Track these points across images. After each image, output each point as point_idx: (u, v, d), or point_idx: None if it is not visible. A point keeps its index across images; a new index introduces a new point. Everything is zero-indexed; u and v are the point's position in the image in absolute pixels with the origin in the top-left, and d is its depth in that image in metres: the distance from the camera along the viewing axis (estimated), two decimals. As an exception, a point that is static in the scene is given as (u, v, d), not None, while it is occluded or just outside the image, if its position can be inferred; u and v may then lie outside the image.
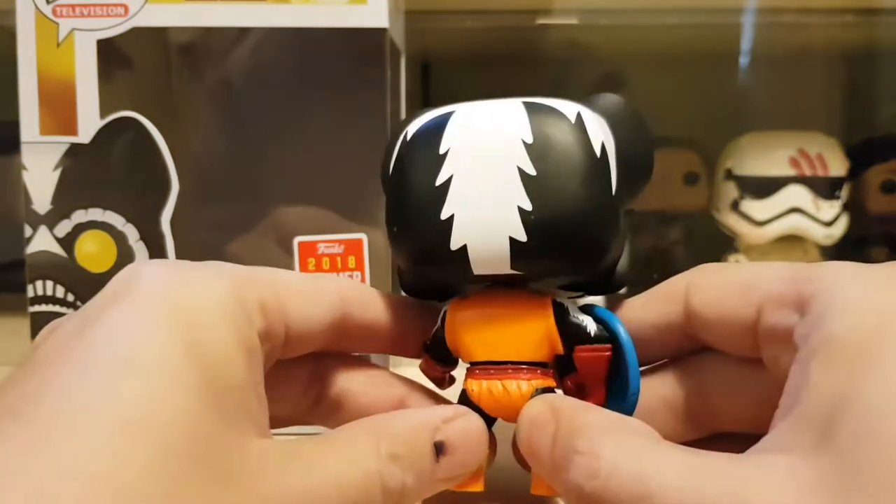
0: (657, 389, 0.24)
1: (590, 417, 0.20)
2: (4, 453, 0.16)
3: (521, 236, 0.21)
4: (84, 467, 0.15)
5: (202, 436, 0.17)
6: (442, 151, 0.22)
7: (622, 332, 0.23)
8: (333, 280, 0.24)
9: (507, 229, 0.21)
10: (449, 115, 0.23)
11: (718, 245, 0.57)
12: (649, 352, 0.24)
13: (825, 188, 0.54)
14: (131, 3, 0.34)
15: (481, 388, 0.22)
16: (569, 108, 0.22)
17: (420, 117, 0.23)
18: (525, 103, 0.22)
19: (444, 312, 0.24)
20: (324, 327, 0.23)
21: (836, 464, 0.16)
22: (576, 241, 0.21)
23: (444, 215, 0.21)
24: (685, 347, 0.24)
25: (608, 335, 0.23)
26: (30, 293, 0.35)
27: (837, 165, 0.54)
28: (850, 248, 0.57)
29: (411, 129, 0.23)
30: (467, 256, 0.21)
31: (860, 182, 0.59)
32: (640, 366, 0.23)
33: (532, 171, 0.21)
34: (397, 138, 0.24)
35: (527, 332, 0.23)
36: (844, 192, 0.55)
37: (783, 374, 0.19)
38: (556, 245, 0.21)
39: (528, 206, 0.21)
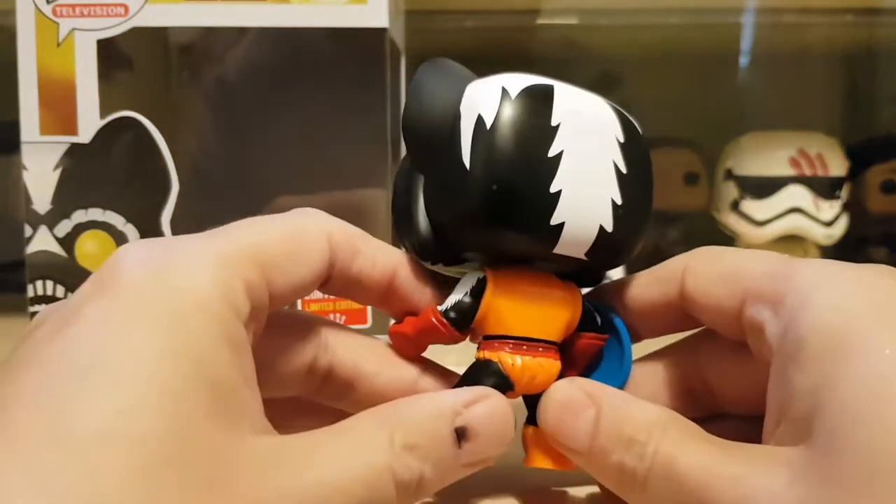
0: (659, 372, 0.25)
1: (638, 408, 0.21)
2: None
3: (609, 227, 0.22)
4: (58, 483, 0.15)
5: (185, 441, 0.16)
6: (554, 123, 0.22)
7: (621, 323, 0.24)
8: (320, 222, 0.22)
9: (601, 217, 0.22)
10: (551, 87, 0.22)
11: (718, 245, 0.57)
12: (651, 328, 0.25)
13: (825, 188, 0.54)
14: (131, 3, 0.34)
15: (520, 363, 0.22)
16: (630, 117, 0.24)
17: (504, 77, 0.23)
18: (609, 104, 0.24)
19: (480, 282, 0.23)
20: (309, 283, 0.22)
21: (819, 455, 0.18)
22: (637, 241, 0.23)
23: (553, 188, 0.21)
24: (686, 324, 0.25)
25: (608, 324, 0.24)
26: (30, 293, 0.35)
27: (837, 165, 0.54)
28: (850, 248, 0.57)
29: (509, 87, 0.22)
30: (559, 234, 0.22)
31: (860, 182, 0.59)
32: (646, 338, 0.25)
33: (624, 169, 0.22)
34: (459, 86, 0.23)
35: (561, 314, 0.23)
36: (844, 192, 0.55)
37: (765, 363, 0.21)
38: (629, 242, 0.23)
39: (619, 200, 0.22)
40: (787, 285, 0.21)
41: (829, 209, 0.54)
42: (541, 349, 0.23)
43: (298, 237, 0.22)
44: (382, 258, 0.23)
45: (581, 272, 0.24)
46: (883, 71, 0.70)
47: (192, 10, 0.34)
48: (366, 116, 0.34)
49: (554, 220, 0.21)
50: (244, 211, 0.34)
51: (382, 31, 0.34)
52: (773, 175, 0.54)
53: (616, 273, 0.50)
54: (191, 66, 0.35)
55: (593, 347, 0.24)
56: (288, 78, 0.34)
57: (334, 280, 0.23)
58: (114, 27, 0.34)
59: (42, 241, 0.34)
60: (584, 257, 0.22)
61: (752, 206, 0.54)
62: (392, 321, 0.25)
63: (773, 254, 0.23)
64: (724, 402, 0.25)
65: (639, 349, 0.26)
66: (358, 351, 0.24)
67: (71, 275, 0.34)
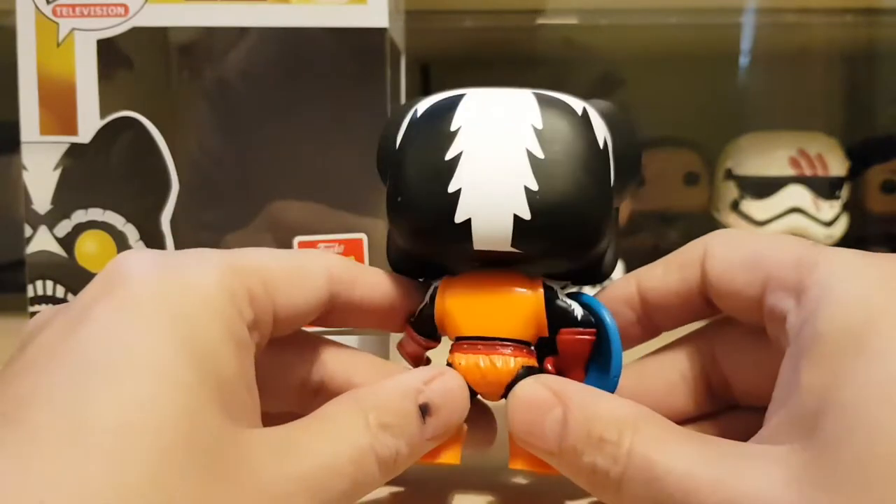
0: (676, 365, 0.25)
1: (606, 405, 0.21)
2: None
3: (526, 214, 0.22)
4: (82, 475, 0.15)
5: (199, 434, 0.17)
6: (453, 128, 0.22)
7: (607, 317, 0.23)
8: (320, 258, 0.24)
9: (513, 207, 0.22)
10: (460, 96, 0.23)
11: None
12: (672, 318, 0.25)
13: (825, 188, 0.54)
14: (131, 3, 0.34)
15: (468, 361, 0.23)
16: (575, 102, 0.23)
17: (427, 99, 0.24)
18: (535, 93, 0.23)
19: (435, 288, 0.24)
20: (311, 308, 0.23)
21: (819, 457, 0.17)
22: (575, 225, 0.22)
23: (451, 188, 0.22)
24: (706, 312, 0.24)
25: (593, 320, 0.24)
26: (30, 293, 0.35)
27: (837, 165, 0.55)
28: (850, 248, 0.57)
29: (420, 107, 0.24)
30: (470, 231, 0.22)
31: (860, 182, 0.59)
32: (663, 331, 0.24)
33: (540, 155, 0.22)
34: (401, 118, 0.24)
35: (517, 311, 0.23)
36: (844, 192, 0.55)
37: (782, 351, 0.20)
38: (558, 226, 0.22)
39: (534, 187, 0.22)
40: (810, 276, 0.20)
41: (829, 209, 0.54)
42: (497, 347, 0.23)
43: (301, 264, 0.23)
44: (383, 281, 0.25)
45: (576, 271, 0.24)
46: (883, 71, 0.70)
47: (192, 10, 0.34)
48: (365, 116, 0.34)
49: (458, 218, 0.22)
50: (244, 209, 0.34)
51: (382, 31, 0.34)
52: (773, 175, 0.54)
53: (617, 272, 0.50)
54: (191, 66, 0.35)
55: (577, 345, 0.23)
56: (288, 78, 0.34)
57: (337, 310, 0.24)
58: (114, 27, 0.34)
59: (42, 241, 0.34)
60: (513, 249, 0.22)
61: (752, 206, 0.55)
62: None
63: (795, 239, 0.22)
64: (740, 394, 0.24)
65: (656, 340, 0.26)
66: (350, 364, 0.25)
67: (71, 275, 0.34)
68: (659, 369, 0.25)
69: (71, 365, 0.17)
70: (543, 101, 0.23)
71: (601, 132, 0.23)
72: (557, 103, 0.23)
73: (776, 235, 0.23)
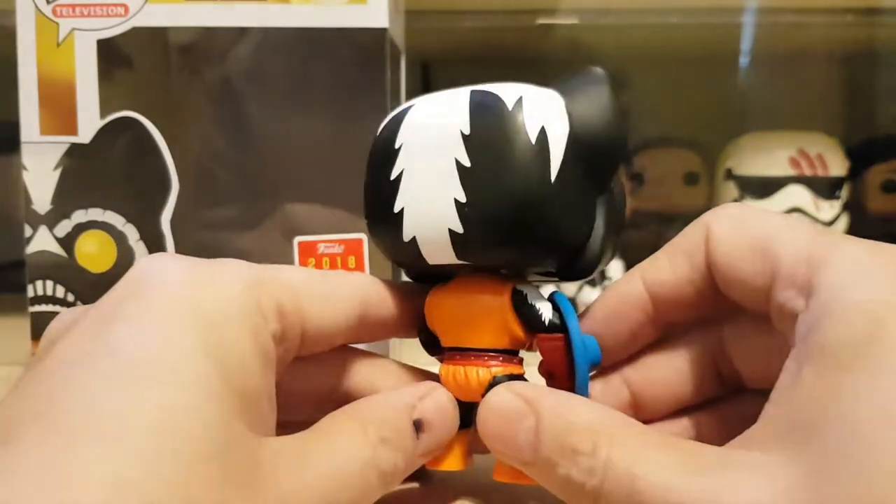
0: (683, 351, 0.24)
1: (580, 413, 0.20)
2: (33, 461, 0.15)
3: (458, 228, 0.21)
4: (115, 476, 0.15)
5: (226, 441, 0.17)
6: (396, 146, 0.23)
7: (572, 320, 0.22)
8: (351, 279, 0.23)
9: (446, 221, 0.22)
10: (407, 109, 0.23)
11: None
12: (688, 310, 0.23)
13: (825, 188, 0.54)
14: (131, 3, 0.34)
15: (448, 373, 0.23)
16: (511, 92, 0.22)
17: (390, 113, 0.24)
18: (472, 92, 0.22)
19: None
20: (342, 329, 0.23)
21: (814, 471, 0.16)
22: (511, 230, 0.21)
23: (396, 209, 0.22)
24: (717, 300, 0.23)
25: (558, 324, 0.22)
26: (30, 293, 0.35)
27: (837, 165, 0.55)
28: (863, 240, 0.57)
29: (381, 125, 0.24)
30: (419, 248, 0.22)
31: (860, 182, 0.59)
32: (679, 325, 0.23)
33: (467, 163, 0.21)
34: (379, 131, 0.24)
35: (486, 320, 0.23)
36: (844, 192, 0.55)
37: (788, 345, 0.19)
38: (491, 235, 0.21)
39: (462, 198, 0.21)
40: (820, 276, 0.19)
41: (829, 209, 0.54)
42: (472, 357, 0.23)
43: (331, 282, 0.23)
44: (408, 296, 0.24)
45: (563, 268, 0.23)
46: (883, 71, 0.70)
47: (192, 10, 0.34)
48: (365, 117, 0.34)
49: (405, 237, 0.22)
50: (244, 209, 0.34)
51: (382, 31, 0.34)
52: (773, 175, 0.54)
53: (617, 271, 0.50)
54: (191, 66, 0.35)
55: (550, 349, 0.23)
56: (287, 78, 0.34)
57: (367, 326, 0.24)
58: (114, 27, 0.34)
59: (42, 241, 0.34)
60: (461, 261, 0.22)
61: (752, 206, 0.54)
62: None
63: (803, 225, 0.21)
64: (747, 379, 0.24)
65: None
66: (376, 373, 0.25)
67: (71, 275, 0.34)
68: (666, 357, 0.24)
69: (103, 365, 0.17)
70: (474, 103, 0.22)
71: (536, 122, 0.21)
72: (488, 102, 0.22)
73: (782, 217, 0.22)
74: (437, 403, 0.22)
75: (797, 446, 0.17)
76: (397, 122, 0.23)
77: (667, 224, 0.60)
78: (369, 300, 0.23)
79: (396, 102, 0.37)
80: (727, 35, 0.61)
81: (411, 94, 0.42)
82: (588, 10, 0.53)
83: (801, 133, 0.56)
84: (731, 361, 0.24)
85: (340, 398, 0.24)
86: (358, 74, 0.34)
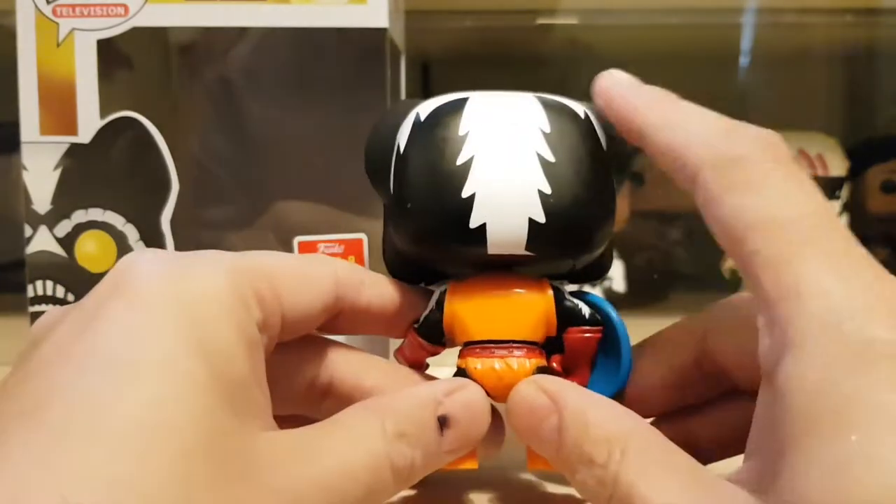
0: (668, 357, 0.25)
1: (601, 419, 0.20)
2: (21, 459, 0.15)
3: (541, 218, 0.22)
4: (105, 473, 0.15)
5: (216, 434, 0.17)
6: (462, 133, 0.23)
7: (614, 314, 0.24)
8: (327, 263, 0.24)
9: (528, 210, 0.22)
10: (464, 100, 0.23)
11: (718, 245, 0.57)
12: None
13: (825, 188, 0.53)
14: (131, 3, 0.34)
15: (484, 365, 0.23)
16: (576, 105, 0.24)
17: (426, 103, 0.24)
18: (538, 97, 0.24)
19: (441, 294, 0.24)
20: (318, 311, 0.23)
21: None
22: (586, 227, 0.23)
23: (465, 193, 0.22)
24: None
25: (599, 318, 0.24)
26: (30, 293, 0.35)
27: (837, 165, 0.55)
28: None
29: (422, 111, 0.24)
30: (485, 235, 0.22)
31: (860, 182, 0.59)
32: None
33: (551, 158, 0.22)
34: (395, 122, 0.24)
35: (528, 313, 0.23)
36: (844, 192, 0.55)
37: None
38: (570, 228, 0.22)
39: (547, 190, 0.22)
40: (781, 308, 0.18)
41: (829, 209, 0.54)
42: (513, 350, 0.23)
43: (307, 267, 0.23)
44: (388, 287, 0.25)
45: (580, 270, 0.24)
46: (883, 71, 0.70)
47: (192, 10, 0.34)
48: (365, 116, 0.34)
49: (473, 223, 0.22)
50: (244, 209, 0.34)
51: (382, 31, 0.34)
52: (773, 175, 0.54)
53: (615, 269, 0.50)
54: (191, 66, 0.35)
55: (585, 343, 0.24)
56: (287, 78, 0.34)
57: (345, 315, 0.24)
58: (114, 27, 0.34)
59: (42, 241, 0.34)
60: (526, 252, 0.22)
61: (752, 206, 0.54)
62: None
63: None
64: (737, 381, 0.24)
65: (647, 332, 0.26)
66: (358, 367, 0.25)
67: (71, 275, 0.34)
68: (650, 363, 0.25)
69: (87, 363, 0.17)
70: (548, 105, 0.23)
71: (602, 135, 0.24)
72: (561, 107, 0.23)
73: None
74: (467, 400, 0.22)
75: (766, 485, 0.17)
76: (456, 109, 0.23)
77: (667, 224, 0.60)
78: (345, 282, 0.23)
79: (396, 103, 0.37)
80: (727, 35, 0.61)
81: (411, 95, 0.42)
82: (588, 10, 0.53)
83: (800, 133, 0.56)
84: (718, 365, 0.24)
85: (326, 391, 0.24)
86: (358, 74, 0.34)
